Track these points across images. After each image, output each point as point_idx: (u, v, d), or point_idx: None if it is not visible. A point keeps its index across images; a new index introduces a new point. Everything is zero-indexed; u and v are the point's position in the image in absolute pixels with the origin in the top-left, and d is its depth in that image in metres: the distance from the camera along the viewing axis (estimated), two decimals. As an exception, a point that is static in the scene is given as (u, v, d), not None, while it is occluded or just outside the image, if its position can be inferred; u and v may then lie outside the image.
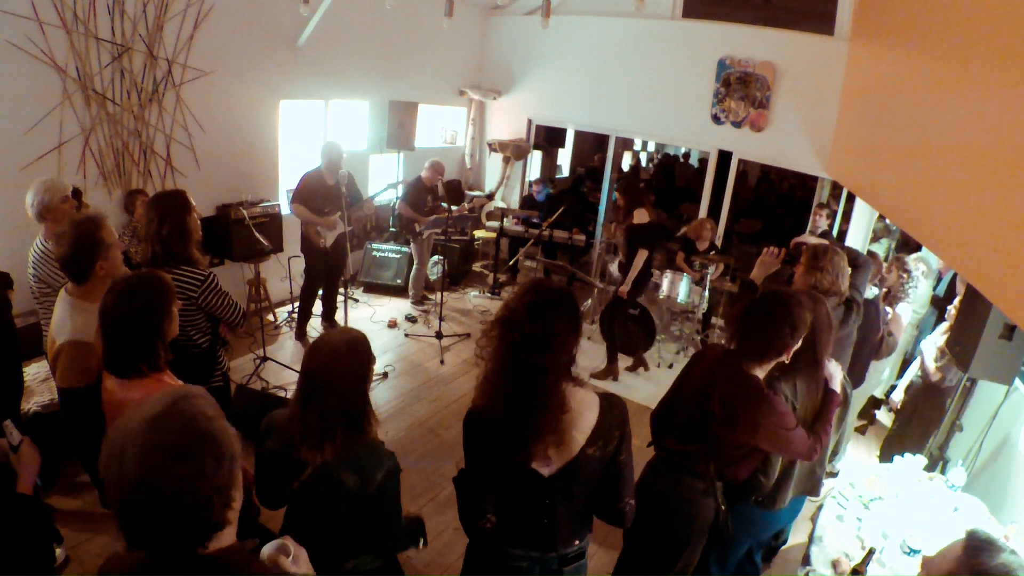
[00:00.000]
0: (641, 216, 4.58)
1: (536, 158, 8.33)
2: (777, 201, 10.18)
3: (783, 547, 3.07)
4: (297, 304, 5.11)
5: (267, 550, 1.22)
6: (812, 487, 2.34)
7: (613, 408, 1.58)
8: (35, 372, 3.31)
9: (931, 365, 3.62)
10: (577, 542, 1.69)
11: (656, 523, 2.11)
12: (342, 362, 1.55)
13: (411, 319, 5.72)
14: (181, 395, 0.93)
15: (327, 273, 4.98)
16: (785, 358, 1.99)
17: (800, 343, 2.02)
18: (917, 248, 5.27)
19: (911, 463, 2.86)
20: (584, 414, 1.53)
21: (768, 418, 1.94)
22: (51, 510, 2.01)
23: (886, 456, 3.85)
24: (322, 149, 4.67)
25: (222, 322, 2.62)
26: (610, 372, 5.01)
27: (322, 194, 4.63)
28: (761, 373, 2.01)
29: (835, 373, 2.20)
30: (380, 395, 4.39)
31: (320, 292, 5.13)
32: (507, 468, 1.56)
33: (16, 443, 1.73)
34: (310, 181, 4.64)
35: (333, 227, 4.74)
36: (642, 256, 4.54)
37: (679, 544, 2.12)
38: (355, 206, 4.77)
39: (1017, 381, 2.98)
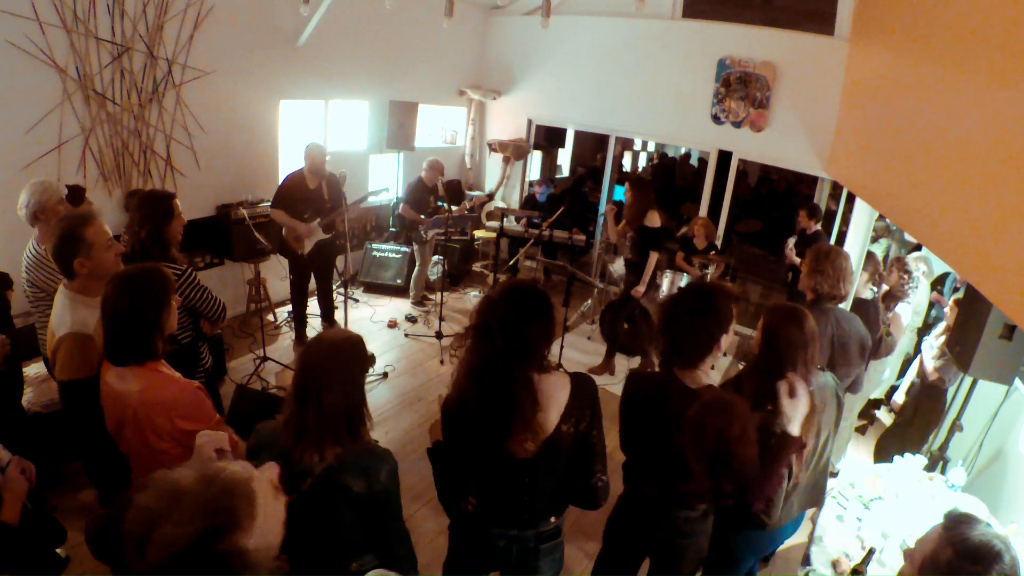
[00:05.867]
0: (653, 220, 4.64)
1: (536, 158, 8.33)
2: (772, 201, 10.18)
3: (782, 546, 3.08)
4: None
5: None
6: (816, 498, 2.29)
7: (583, 387, 1.62)
8: (35, 372, 3.31)
9: (929, 365, 3.62)
10: (553, 519, 1.72)
11: (671, 567, 2.03)
12: (342, 359, 1.54)
13: (411, 319, 5.72)
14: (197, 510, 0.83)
15: (317, 274, 4.90)
16: (717, 352, 1.82)
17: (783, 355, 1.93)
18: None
19: (911, 463, 2.86)
20: (556, 395, 1.57)
21: (736, 425, 1.69)
22: (54, 535, 1.97)
23: (881, 455, 3.85)
24: (304, 151, 4.50)
25: (202, 317, 2.62)
26: (607, 367, 5.02)
27: (302, 198, 4.48)
28: (705, 379, 1.85)
29: (797, 410, 1.86)
30: (380, 395, 4.40)
31: (317, 293, 5.12)
32: (486, 454, 1.59)
33: (4, 464, 1.66)
34: (291, 185, 4.48)
35: (310, 235, 4.52)
36: (654, 259, 4.66)
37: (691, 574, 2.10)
38: (335, 211, 4.55)
39: (1017, 381, 2.98)
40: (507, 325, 1.50)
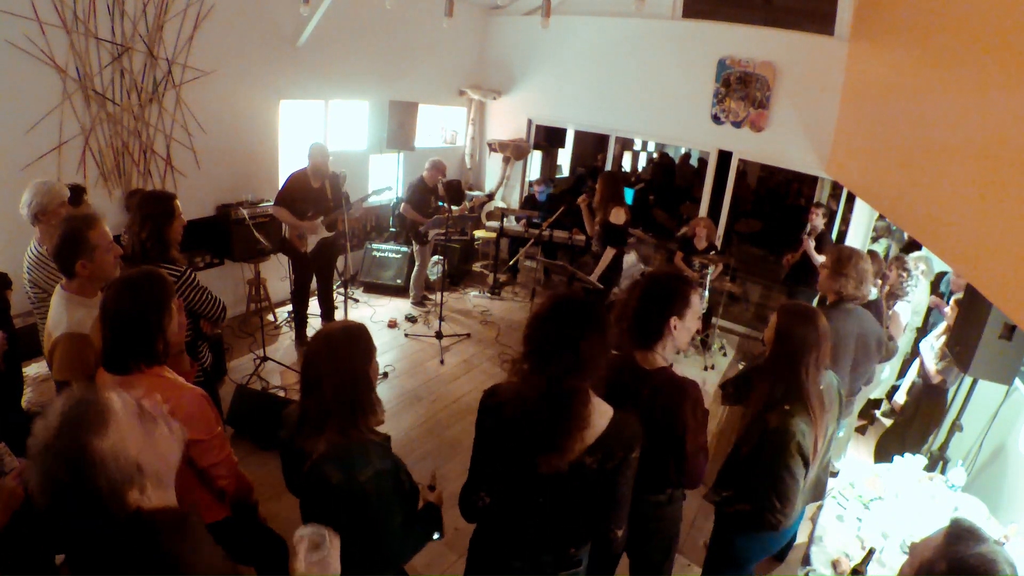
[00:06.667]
0: (618, 216, 4.76)
1: (536, 158, 8.34)
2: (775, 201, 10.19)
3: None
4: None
5: (305, 529, 1.21)
6: (819, 492, 2.32)
7: (624, 428, 1.55)
8: (35, 372, 3.31)
9: (932, 368, 3.62)
10: (573, 550, 1.66)
11: (635, 553, 2.08)
12: (338, 350, 1.55)
13: (411, 319, 5.72)
14: (53, 436, 0.99)
15: (318, 274, 4.93)
16: (671, 336, 1.87)
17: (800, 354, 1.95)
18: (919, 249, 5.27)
19: (911, 463, 2.86)
20: (593, 424, 1.51)
21: (686, 407, 1.80)
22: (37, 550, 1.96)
23: (881, 455, 3.85)
24: (308, 151, 4.55)
25: (202, 318, 2.62)
26: None
27: (304, 196, 4.52)
28: (661, 361, 1.90)
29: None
30: (380, 395, 4.37)
31: (317, 293, 5.13)
32: (511, 460, 1.57)
33: (8, 470, 1.66)
34: (294, 183, 4.52)
35: (314, 231, 4.59)
36: (610, 254, 4.81)
37: (664, 558, 2.12)
38: (337, 211, 4.60)
39: (1017, 381, 2.98)
40: (567, 342, 1.46)
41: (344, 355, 1.56)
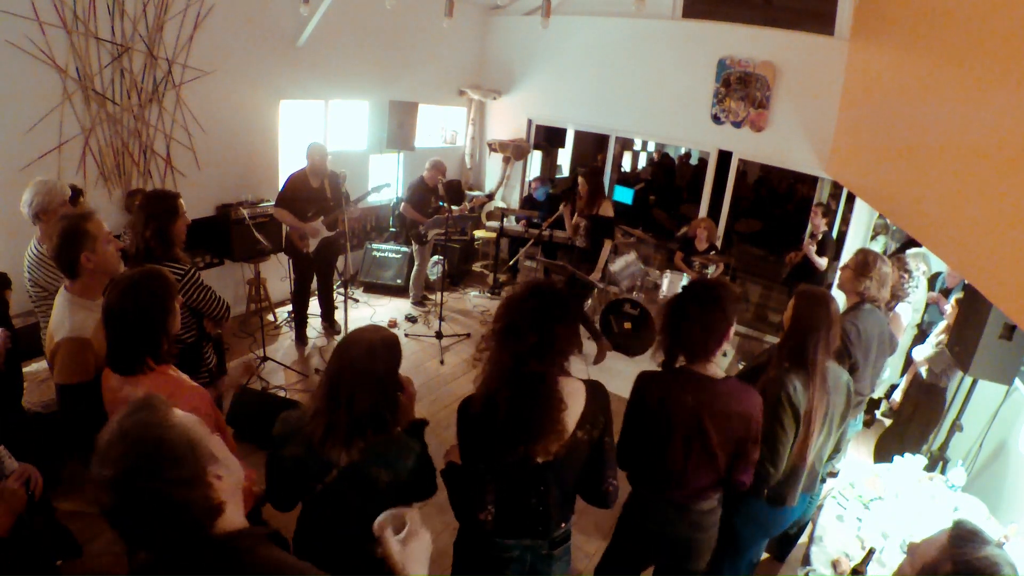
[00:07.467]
0: (607, 209, 5.03)
1: (536, 158, 8.34)
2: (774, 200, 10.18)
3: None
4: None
5: (381, 517, 1.16)
6: (811, 484, 2.35)
7: (597, 394, 1.65)
8: (35, 372, 3.31)
9: (919, 358, 3.66)
10: (564, 524, 1.74)
11: (686, 565, 2.08)
12: (377, 360, 1.52)
13: (411, 319, 5.72)
14: (126, 415, 0.96)
15: (319, 273, 4.95)
16: (727, 343, 1.92)
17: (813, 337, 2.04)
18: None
19: (911, 463, 2.86)
20: (573, 400, 1.58)
21: (757, 410, 1.89)
22: (67, 549, 1.95)
23: (881, 455, 3.85)
24: (306, 151, 4.56)
25: (206, 317, 2.62)
26: (602, 354, 5.05)
27: (306, 197, 4.54)
28: (719, 371, 1.94)
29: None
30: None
31: (317, 293, 5.13)
32: (505, 459, 1.59)
33: (8, 473, 1.66)
34: (294, 183, 4.54)
35: (316, 234, 4.61)
36: (608, 246, 5.10)
37: (709, 561, 2.13)
38: (338, 210, 4.61)
39: (1017, 381, 2.98)
40: (536, 323, 1.51)
41: (382, 365, 1.53)
